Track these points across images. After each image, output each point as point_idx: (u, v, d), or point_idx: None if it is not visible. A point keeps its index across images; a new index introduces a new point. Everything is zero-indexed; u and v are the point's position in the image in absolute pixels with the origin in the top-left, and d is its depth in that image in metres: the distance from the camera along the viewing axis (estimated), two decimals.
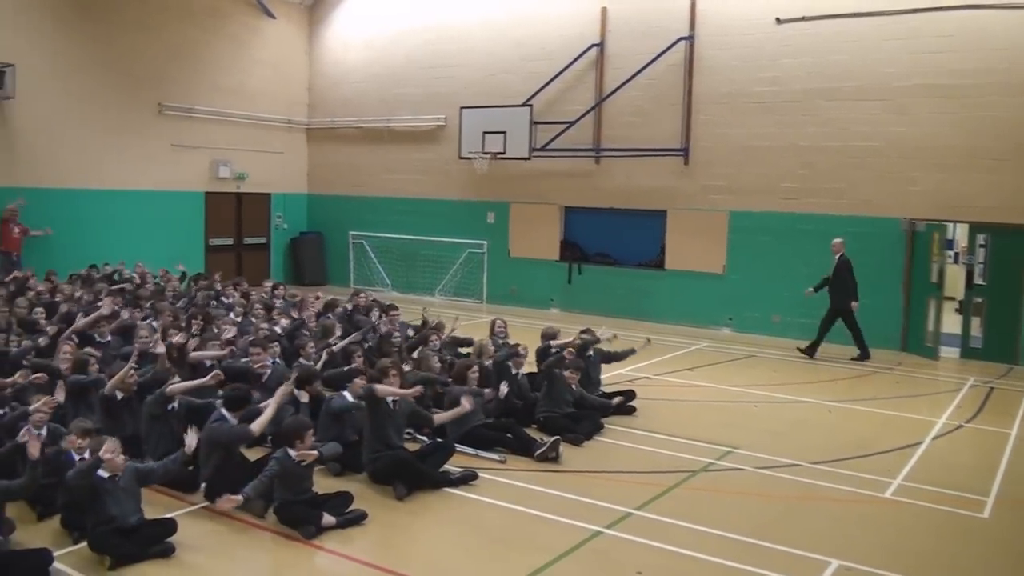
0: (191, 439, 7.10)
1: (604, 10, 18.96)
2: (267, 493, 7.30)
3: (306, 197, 24.30)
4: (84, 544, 6.70)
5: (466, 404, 8.86)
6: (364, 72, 22.96)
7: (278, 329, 12.08)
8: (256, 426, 7.82)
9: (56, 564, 6.39)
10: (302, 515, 7.14)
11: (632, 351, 11.93)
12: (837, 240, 15.39)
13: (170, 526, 6.91)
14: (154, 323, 11.85)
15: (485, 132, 19.61)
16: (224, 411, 7.98)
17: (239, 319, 12.84)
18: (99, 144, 19.35)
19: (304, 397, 9.09)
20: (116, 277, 16.43)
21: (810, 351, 15.41)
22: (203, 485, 7.85)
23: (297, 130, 23.91)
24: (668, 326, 17.55)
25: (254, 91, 22.60)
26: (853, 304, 15.10)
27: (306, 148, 24.22)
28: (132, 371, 8.78)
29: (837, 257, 15.23)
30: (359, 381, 8.77)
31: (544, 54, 19.63)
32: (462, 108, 20.17)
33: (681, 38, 17.84)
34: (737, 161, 17.51)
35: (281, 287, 15.62)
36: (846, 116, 16.36)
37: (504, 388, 10.14)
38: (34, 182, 18.02)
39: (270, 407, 8.03)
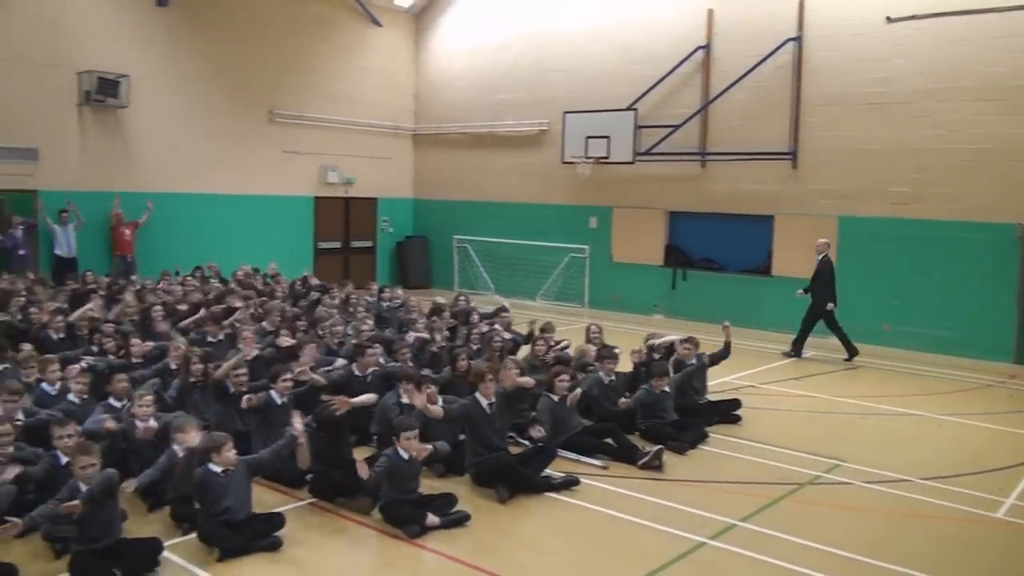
0: (297, 422, 7.26)
1: (711, 12, 18.71)
2: (375, 491, 7.42)
3: (412, 201, 24.64)
4: (194, 535, 6.89)
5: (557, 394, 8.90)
6: (469, 78, 23.17)
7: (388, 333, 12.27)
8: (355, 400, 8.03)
9: (166, 553, 6.60)
10: (407, 514, 7.22)
11: (728, 343, 11.70)
12: (822, 240, 15.79)
13: (278, 520, 7.07)
14: (264, 323, 12.19)
15: (588, 137, 19.54)
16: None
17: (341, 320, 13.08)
18: (213, 150, 20.00)
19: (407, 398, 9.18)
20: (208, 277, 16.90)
21: (795, 350, 15.57)
22: (309, 479, 8.05)
23: (403, 136, 24.27)
24: (774, 334, 17.16)
25: (362, 98, 23.02)
26: (829, 305, 15.30)
27: (412, 153, 24.56)
28: (242, 371, 9.06)
29: (820, 257, 15.54)
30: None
31: (649, 57, 19.47)
32: (565, 113, 20.14)
33: (789, 39, 17.48)
34: (846, 165, 17.03)
35: (388, 290, 15.85)
36: (958, 117, 15.73)
37: (627, 399, 10.08)
38: (149, 187, 18.69)
39: (363, 397, 8.23)
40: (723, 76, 18.40)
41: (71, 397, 8.70)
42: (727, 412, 10.97)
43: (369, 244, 23.81)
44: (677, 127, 18.75)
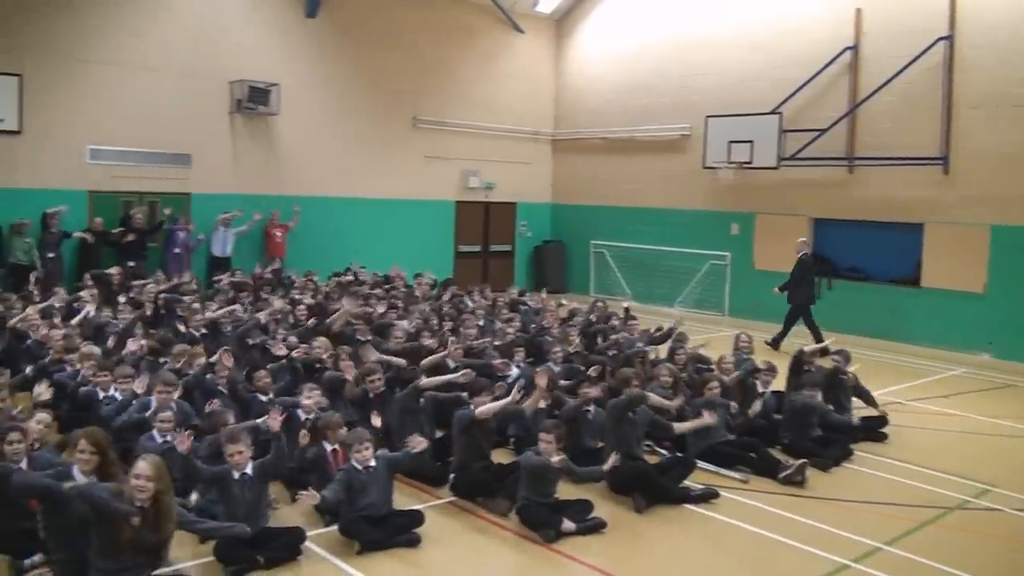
0: (418, 441, 7.37)
1: (859, 11, 18.10)
2: (513, 492, 7.51)
3: (550, 206, 24.76)
4: (335, 528, 7.08)
5: (707, 417, 8.76)
6: (609, 82, 23.12)
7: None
8: (481, 409, 8.06)
9: (308, 543, 6.82)
10: (544, 518, 7.26)
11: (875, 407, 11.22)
12: (800, 240, 16.81)
13: (417, 518, 7.22)
14: (407, 324, 12.47)
15: (731, 141, 19.21)
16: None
17: (481, 323, 13.27)
18: (358, 156, 20.60)
19: (542, 402, 9.23)
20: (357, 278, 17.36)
21: (774, 344, 15.83)
22: (451, 478, 8.21)
23: (543, 141, 24.43)
24: (922, 348, 16.47)
25: (503, 104, 23.29)
26: (775, 290, 16.53)
27: (551, 159, 24.69)
28: (377, 376, 9.30)
29: (799, 255, 16.32)
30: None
31: (794, 59, 18.94)
32: (708, 117, 19.84)
33: (940, 38, 16.71)
34: (1001, 170, 16.13)
35: (527, 294, 16.00)
36: None
37: (757, 406, 9.88)
38: (297, 191, 19.39)
39: (501, 402, 8.25)
40: (871, 77, 17.77)
41: (221, 388, 9.12)
42: (873, 429, 10.59)
43: (508, 248, 24.05)
44: (823, 131, 18.21)
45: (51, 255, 15.85)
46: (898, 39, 17.36)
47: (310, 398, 8.43)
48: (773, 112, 18.79)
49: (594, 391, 9.00)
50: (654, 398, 8.88)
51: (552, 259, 23.95)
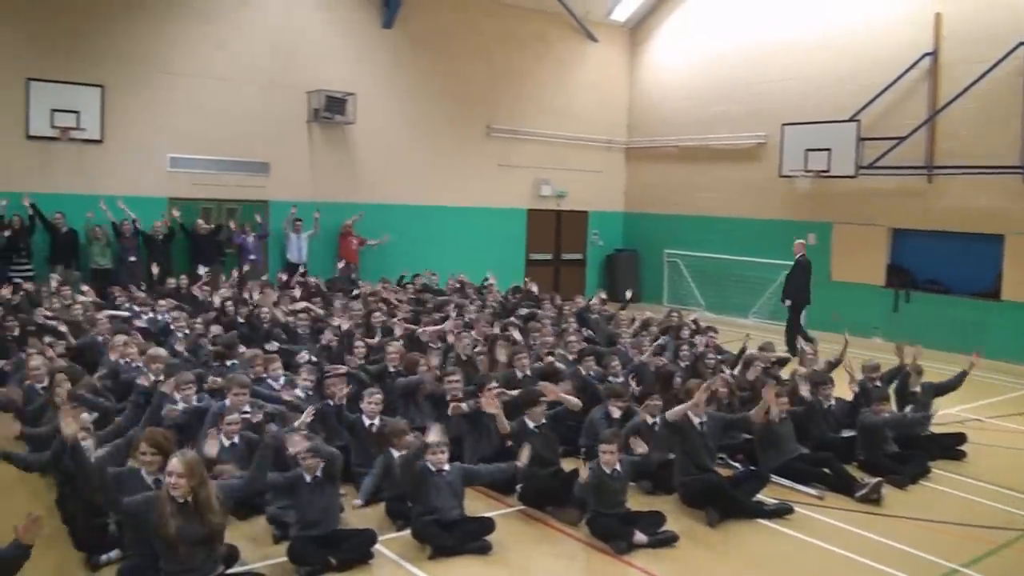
0: (524, 455, 7.44)
1: (938, 16, 17.68)
2: (583, 503, 7.52)
3: (622, 215, 24.70)
4: (407, 532, 7.16)
5: (774, 409, 8.67)
6: (684, 90, 22.98)
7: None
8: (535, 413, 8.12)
9: (379, 547, 6.92)
10: (615, 530, 7.25)
11: (964, 373, 11.06)
12: (798, 241, 17.28)
13: (488, 524, 7.26)
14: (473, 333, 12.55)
15: (807, 149, 18.96)
16: (526, 420, 8.34)
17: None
18: (431, 164, 20.84)
19: (616, 412, 9.21)
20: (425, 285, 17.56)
21: (791, 350, 15.50)
22: (518, 488, 8.24)
23: (616, 149, 24.38)
24: (1002, 364, 16.00)
25: (576, 112, 23.31)
26: (785, 301, 16.98)
27: (624, 167, 24.62)
28: (455, 377, 9.42)
29: (797, 257, 16.94)
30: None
31: (872, 66, 18.57)
32: (783, 125, 19.61)
33: (1021, 43, 16.27)
34: None
35: (596, 302, 15.99)
36: None
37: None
38: (372, 198, 19.72)
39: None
40: (952, 84, 17.34)
41: (298, 392, 9.33)
42: (951, 447, 10.34)
43: (579, 257, 24.04)
44: (902, 139, 17.85)
45: (132, 259, 16.37)
46: (978, 44, 16.95)
47: (371, 403, 8.52)
48: (851, 120, 18.49)
49: (660, 404, 8.95)
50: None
51: (624, 268, 23.84)
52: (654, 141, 23.67)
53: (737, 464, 9.30)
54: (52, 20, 16.06)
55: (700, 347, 12.33)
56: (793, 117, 19.69)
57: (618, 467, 7.44)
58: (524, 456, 7.43)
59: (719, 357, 11.97)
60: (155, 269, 15.65)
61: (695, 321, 14.41)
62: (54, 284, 14.52)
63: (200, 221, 17.40)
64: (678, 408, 8.27)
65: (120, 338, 10.61)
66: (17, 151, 15.95)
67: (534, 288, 17.62)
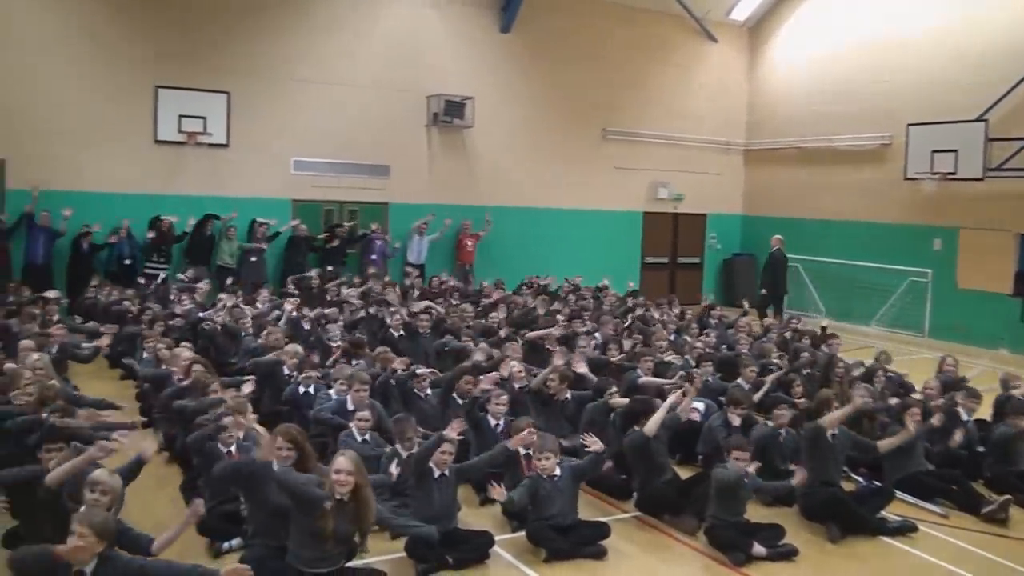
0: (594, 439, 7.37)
1: None
2: (701, 511, 7.43)
3: (740, 218, 24.27)
4: (522, 534, 7.17)
5: (910, 427, 8.39)
6: (804, 91, 22.37)
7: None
8: (649, 426, 7.87)
9: (496, 548, 6.95)
10: (734, 540, 7.11)
11: None
12: (775, 236, 19.14)
13: (604, 529, 7.24)
14: (597, 335, 12.56)
15: (934, 151, 18.26)
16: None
17: (672, 336, 13.19)
18: (547, 167, 20.88)
19: (736, 420, 9.06)
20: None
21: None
22: (635, 496, 8.18)
23: (734, 151, 23.98)
24: None
25: (694, 114, 23.02)
26: (763, 291, 18.61)
27: (742, 169, 24.18)
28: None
29: (772, 250, 18.68)
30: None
31: (1001, 61, 17.67)
32: (909, 125, 18.89)
33: None
34: None
35: (717, 307, 15.80)
36: None
37: (959, 436, 9.36)
38: (489, 201, 19.89)
39: (662, 410, 8.01)
40: None
41: (417, 392, 9.52)
42: None
43: (696, 260, 23.74)
44: None
45: (253, 259, 16.96)
46: None
47: (498, 404, 8.63)
48: (979, 119, 17.68)
49: (787, 414, 8.79)
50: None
51: (742, 273, 23.35)
52: (774, 143, 23.14)
53: (860, 478, 9.02)
54: (181, 32, 16.85)
55: (828, 355, 12.03)
56: (917, 116, 18.92)
57: (751, 470, 7.32)
58: (592, 442, 7.32)
59: (848, 364, 11.66)
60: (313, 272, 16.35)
61: (823, 328, 14.04)
62: (186, 277, 15.41)
63: (336, 228, 17.97)
64: (828, 418, 8.07)
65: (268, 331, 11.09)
66: (146, 155, 16.76)
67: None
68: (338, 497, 5.82)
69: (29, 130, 15.60)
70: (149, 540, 5.51)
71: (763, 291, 18.66)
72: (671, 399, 8.20)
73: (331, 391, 9.04)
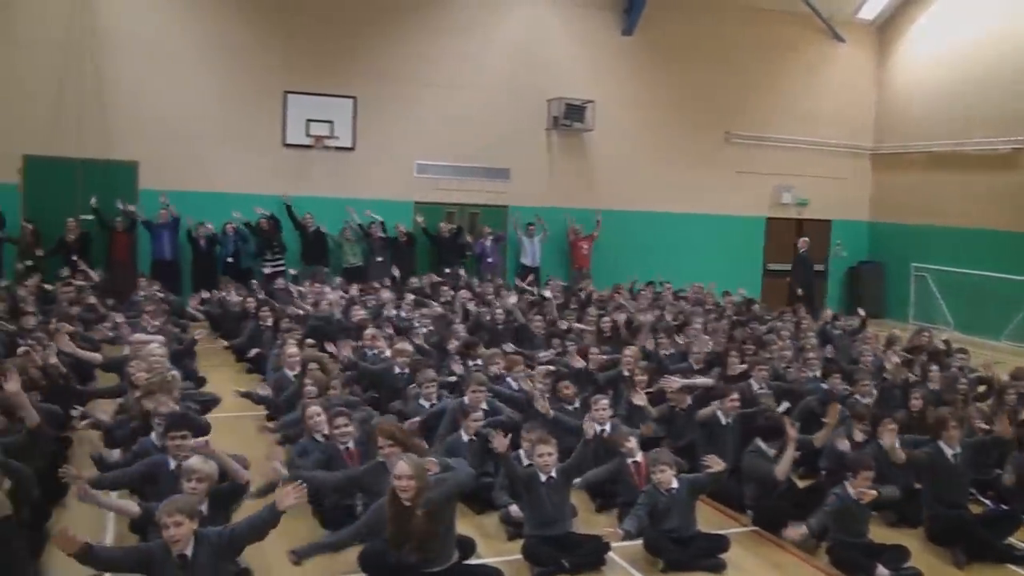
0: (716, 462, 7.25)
1: None
2: (823, 530, 7.27)
3: (867, 225, 23.53)
4: (639, 542, 7.10)
5: None
6: (936, 93, 21.51)
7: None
8: (780, 468, 7.70)
9: (612, 554, 6.96)
10: (856, 561, 6.94)
11: None
12: (802, 239, 19.75)
13: (723, 543, 7.17)
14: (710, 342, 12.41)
15: None
16: (760, 443, 8.03)
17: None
18: (668, 171, 20.72)
19: (859, 435, 8.72)
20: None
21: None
22: (749, 511, 8.06)
23: (861, 155, 23.27)
24: None
25: (820, 117, 22.46)
26: (799, 292, 18.82)
27: (870, 174, 23.45)
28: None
29: (801, 252, 19.32)
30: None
31: None
32: None
33: None
34: None
35: (841, 318, 15.43)
36: None
37: None
38: (608, 204, 19.88)
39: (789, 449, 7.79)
40: None
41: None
42: None
43: (820, 268, 23.08)
44: None
45: (379, 259, 17.38)
46: None
47: (599, 409, 8.50)
48: None
49: (893, 427, 8.48)
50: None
51: (869, 281, 22.65)
52: (903, 146, 22.35)
53: (987, 501, 8.67)
54: (309, 39, 17.50)
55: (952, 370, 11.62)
56: None
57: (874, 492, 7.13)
58: (712, 461, 7.21)
59: (970, 379, 11.24)
60: (395, 272, 16.51)
61: (946, 342, 13.55)
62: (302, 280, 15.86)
63: (443, 224, 18.18)
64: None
65: (369, 331, 11.43)
66: (275, 158, 17.46)
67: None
68: (406, 503, 5.81)
69: (162, 134, 16.45)
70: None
71: (799, 291, 18.70)
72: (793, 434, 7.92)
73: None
